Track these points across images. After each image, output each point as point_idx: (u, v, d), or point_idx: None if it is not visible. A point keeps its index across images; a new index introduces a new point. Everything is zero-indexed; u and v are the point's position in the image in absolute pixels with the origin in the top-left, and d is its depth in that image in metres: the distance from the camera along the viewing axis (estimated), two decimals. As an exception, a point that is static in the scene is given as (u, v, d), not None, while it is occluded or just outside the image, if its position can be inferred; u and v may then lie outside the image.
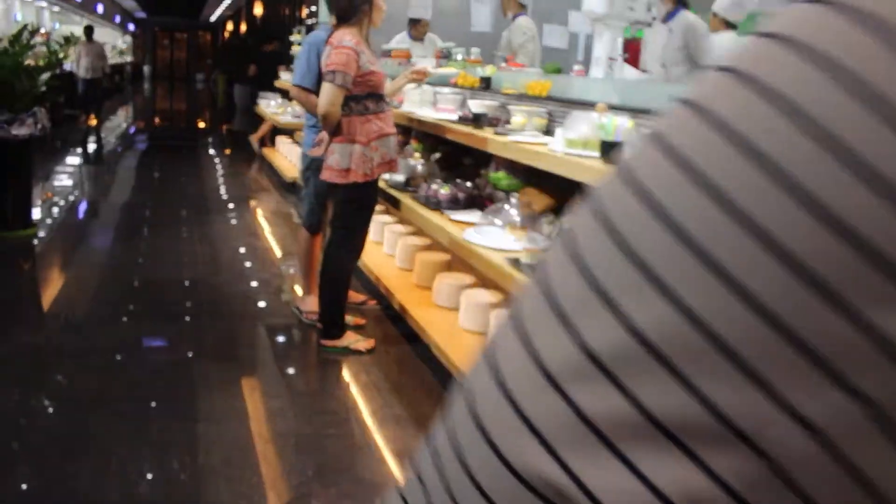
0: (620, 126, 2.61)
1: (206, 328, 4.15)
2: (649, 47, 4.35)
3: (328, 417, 3.19)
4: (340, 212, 3.82)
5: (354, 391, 3.47)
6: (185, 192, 8.27)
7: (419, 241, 4.85)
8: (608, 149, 2.63)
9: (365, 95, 3.65)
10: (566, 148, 2.92)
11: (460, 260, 4.14)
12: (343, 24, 3.64)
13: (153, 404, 3.24)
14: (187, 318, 4.29)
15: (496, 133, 3.43)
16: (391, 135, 3.82)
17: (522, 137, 3.26)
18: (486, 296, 3.82)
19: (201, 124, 16.63)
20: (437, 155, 4.94)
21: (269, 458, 2.85)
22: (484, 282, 4.32)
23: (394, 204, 4.39)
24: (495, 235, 3.22)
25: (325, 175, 3.72)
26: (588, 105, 3.57)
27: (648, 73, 4.21)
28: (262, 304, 4.64)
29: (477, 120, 3.85)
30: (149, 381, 3.45)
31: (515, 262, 2.87)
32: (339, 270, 3.86)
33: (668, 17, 4.51)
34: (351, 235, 3.84)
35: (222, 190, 8.51)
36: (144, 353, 3.80)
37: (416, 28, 7.66)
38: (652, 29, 4.43)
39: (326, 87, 3.52)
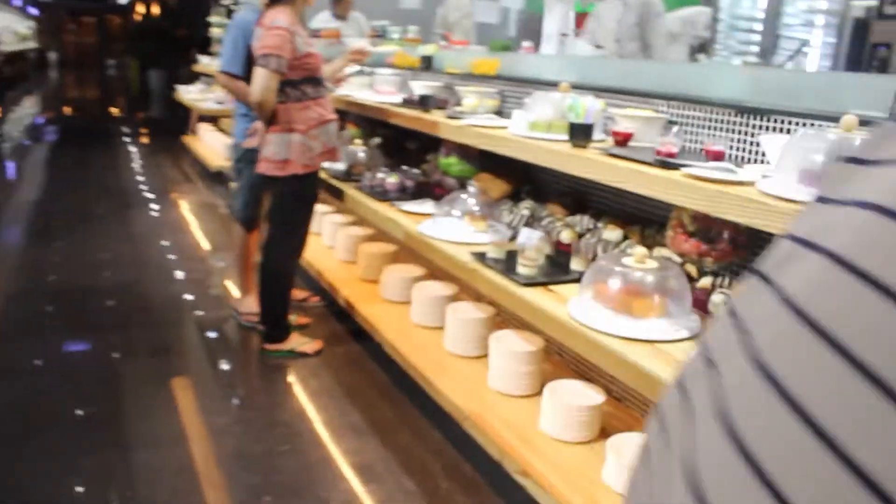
0: (590, 107, 2.41)
1: (136, 339, 3.79)
2: (603, 22, 4.18)
3: (279, 432, 2.93)
4: (279, 206, 3.53)
5: (305, 400, 3.21)
6: (101, 185, 7.75)
7: (361, 232, 4.59)
8: (578, 131, 2.43)
9: (302, 80, 3.37)
10: (529, 131, 2.71)
11: (407, 250, 3.90)
12: (275, 4, 3.33)
13: (82, 433, 2.91)
14: (113, 329, 3.92)
15: (449, 117, 3.19)
16: (332, 121, 3.55)
17: (478, 120, 3.04)
18: (439, 288, 3.61)
19: (115, 112, 15.80)
20: (378, 140, 4.68)
21: (219, 484, 2.57)
22: (434, 272, 4.10)
23: (336, 195, 4.11)
24: (454, 227, 3.00)
25: (262, 167, 3.43)
26: (541, 84, 3.38)
27: (602, 48, 4.03)
28: (196, 308, 4.31)
29: (424, 102, 3.60)
30: (74, 404, 3.10)
31: (481, 257, 2.65)
32: (280, 269, 3.58)
33: (622, -10, 4.33)
34: (292, 231, 3.56)
35: (143, 182, 8.01)
36: (66, 372, 3.42)
37: (340, 5, 7.33)
38: (605, 3, 4.26)
39: (260, 73, 3.21)
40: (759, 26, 8.20)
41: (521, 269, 2.43)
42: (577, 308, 2.12)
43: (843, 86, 2.22)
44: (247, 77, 3.72)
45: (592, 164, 2.23)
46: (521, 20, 9.08)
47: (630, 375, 1.84)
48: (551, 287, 2.38)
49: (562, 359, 3.16)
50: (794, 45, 6.58)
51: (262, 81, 3.21)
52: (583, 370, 3.04)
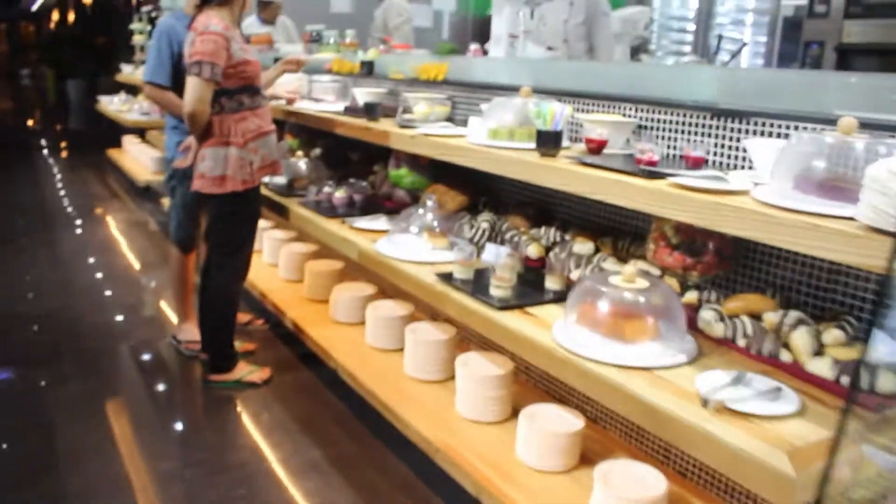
0: (558, 113, 2.25)
1: (66, 374, 3.47)
2: (549, 22, 4.05)
3: (233, 476, 2.67)
4: (218, 226, 3.27)
5: (258, 436, 2.96)
6: (19, 203, 7.28)
7: (306, 249, 4.35)
8: (546, 139, 2.27)
9: (239, 89, 3.12)
10: (490, 140, 2.54)
11: (356, 266, 3.69)
12: (208, 6, 3.08)
13: (5, 486, 2.60)
14: (39, 361, 3.59)
15: (401, 126, 3.00)
16: (271, 133, 3.32)
17: (433, 129, 2.85)
18: (394, 308, 3.41)
19: (31, 124, 15.02)
20: (318, 151, 4.45)
21: (167, 541, 2.32)
22: (386, 290, 3.90)
23: (278, 211, 3.86)
24: (413, 245, 2.80)
25: (197, 185, 3.16)
26: (495, 89, 3.22)
27: (554, 50, 3.90)
28: (131, 336, 3.99)
29: (370, 111, 3.40)
30: (-2, 453, 2.80)
31: (448, 279, 2.46)
32: (222, 295, 3.32)
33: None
34: (233, 253, 3.30)
35: (65, 199, 7.55)
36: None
37: (267, 10, 7.09)
38: (548, 4, 4.13)
39: (192, 82, 2.96)
40: (691, 26, 8.27)
41: (495, 291, 2.25)
42: (563, 334, 1.95)
43: (822, 85, 2.12)
44: (175, 87, 3.47)
45: (568, 176, 2.07)
46: (452, 23, 8.96)
47: (630, 408, 1.68)
48: (528, 310, 2.21)
49: (528, 377, 3.00)
50: (727, 44, 6.59)
51: (194, 91, 2.95)
52: (552, 390, 2.89)
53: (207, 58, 2.93)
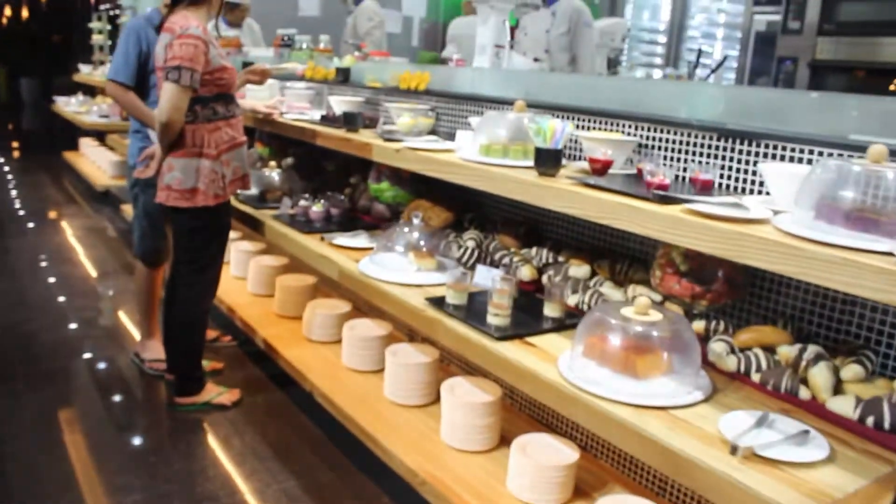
0: (559, 130, 2.13)
1: (21, 397, 3.24)
2: (530, 33, 3.94)
3: (203, 510, 2.50)
4: (186, 243, 3.08)
5: (230, 465, 2.79)
6: (-31, 209, 6.96)
7: (276, 262, 4.18)
8: (545, 158, 2.15)
9: (214, 97, 2.95)
10: (482, 156, 2.41)
11: (328, 281, 3.54)
12: (180, 6, 2.90)
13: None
14: (-9, 385, 3.37)
15: (386, 139, 2.86)
16: (243, 144, 3.15)
17: (419, 142, 2.71)
18: (372, 328, 3.27)
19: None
20: (290, 161, 4.28)
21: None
22: (361, 306, 3.75)
23: (250, 224, 3.68)
24: (400, 267, 2.66)
25: (162, 197, 2.97)
26: (482, 101, 3.10)
27: (540, 61, 3.79)
28: (91, 354, 3.77)
29: (350, 121, 3.25)
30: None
31: (439, 304, 2.32)
32: (190, 314, 3.13)
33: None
34: (202, 271, 3.12)
35: (18, 204, 7.23)
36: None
37: (234, 13, 6.87)
38: (530, 14, 4.04)
39: (169, 89, 2.77)
40: (662, 38, 8.27)
41: (492, 320, 2.12)
42: (570, 369, 1.83)
43: (836, 108, 2.03)
44: (138, 88, 3.29)
45: (572, 198, 1.95)
46: (423, 29, 8.84)
47: (649, 453, 1.57)
48: (528, 339, 2.08)
49: (513, 402, 2.88)
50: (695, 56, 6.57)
51: (171, 99, 2.77)
52: (538, 415, 2.77)
53: (187, 63, 2.75)
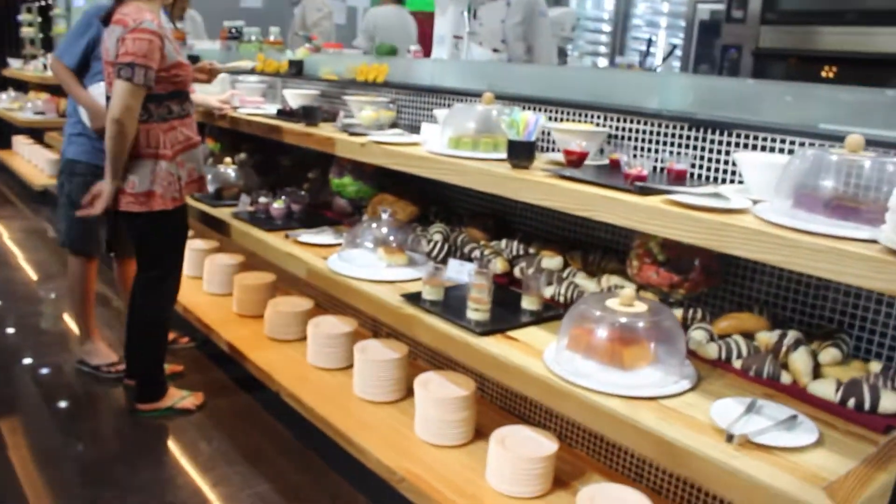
0: (532, 122, 2.12)
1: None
2: (486, 24, 3.93)
3: (174, 519, 2.43)
4: (146, 249, 2.98)
5: (197, 473, 2.71)
6: None
7: (232, 260, 4.08)
8: (519, 150, 2.14)
9: (168, 95, 2.84)
10: (451, 149, 2.39)
11: (287, 277, 3.48)
12: (124, -2, 2.77)
13: None
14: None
15: (351, 133, 2.81)
16: (198, 145, 3.05)
17: (385, 136, 2.67)
18: (337, 324, 3.22)
19: None
20: (244, 156, 4.18)
21: None
22: (322, 303, 3.70)
23: (209, 224, 3.58)
24: (370, 263, 2.62)
25: (116, 202, 2.84)
26: (444, 93, 3.08)
27: (498, 52, 3.78)
28: (35, 360, 3.62)
29: (309, 115, 3.19)
30: None
31: (416, 300, 2.29)
32: (154, 321, 3.04)
33: (506, -11, 4.10)
34: (164, 276, 3.02)
35: (-51, 206, 6.92)
36: None
37: (176, 4, 6.66)
38: (486, 5, 4.02)
39: (122, 87, 2.65)
40: (606, 27, 8.35)
41: (473, 315, 2.10)
42: (557, 362, 1.82)
43: (805, 97, 2.07)
44: (79, 72, 3.20)
45: (548, 190, 1.94)
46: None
47: (642, 443, 1.57)
48: (509, 333, 2.07)
49: (484, 394, 2.88)
50: (644, 45, 6.65)
51: (123, 97, 2.65)
52: (510, 407, 2.77)
53: (141, 60, 2.64)
